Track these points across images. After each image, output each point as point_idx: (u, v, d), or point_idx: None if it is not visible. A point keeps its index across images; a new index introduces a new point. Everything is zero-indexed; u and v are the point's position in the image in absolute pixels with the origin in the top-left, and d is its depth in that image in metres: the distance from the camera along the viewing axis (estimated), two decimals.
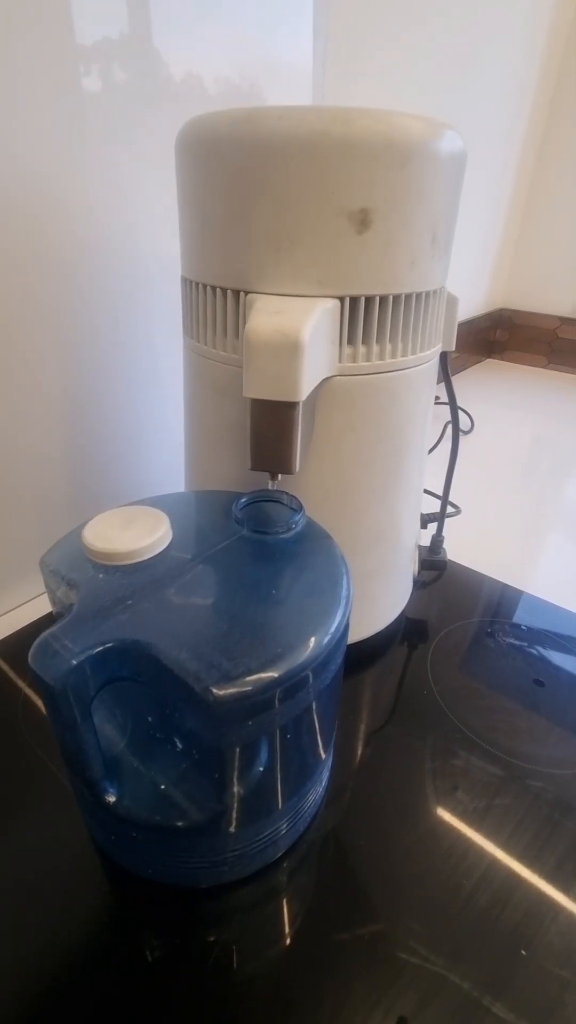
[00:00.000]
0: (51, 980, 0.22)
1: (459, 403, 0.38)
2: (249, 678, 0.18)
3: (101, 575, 0.22)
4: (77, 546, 0.24)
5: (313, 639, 0.20)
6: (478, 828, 0.28)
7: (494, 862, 0.26)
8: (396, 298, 0.26)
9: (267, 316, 0.23)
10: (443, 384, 0.36)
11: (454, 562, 0.47)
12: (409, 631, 0.41)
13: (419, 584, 0.44)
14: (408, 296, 0.26)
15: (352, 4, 0.52)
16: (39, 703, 0.34)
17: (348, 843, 0.27)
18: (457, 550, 0.46)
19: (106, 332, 0.41)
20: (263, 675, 0.19)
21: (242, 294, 0.26)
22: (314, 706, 0.22)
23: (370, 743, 0.32)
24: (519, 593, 0.45)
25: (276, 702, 0.19)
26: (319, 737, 0.24)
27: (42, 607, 0.42)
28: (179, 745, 0.23)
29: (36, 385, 0.38)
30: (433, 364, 0.31)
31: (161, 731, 0.23)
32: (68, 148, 0.34)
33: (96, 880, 0.25)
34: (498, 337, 1.11)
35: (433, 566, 0.42)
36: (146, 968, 0.22)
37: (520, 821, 0.28)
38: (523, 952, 0.23)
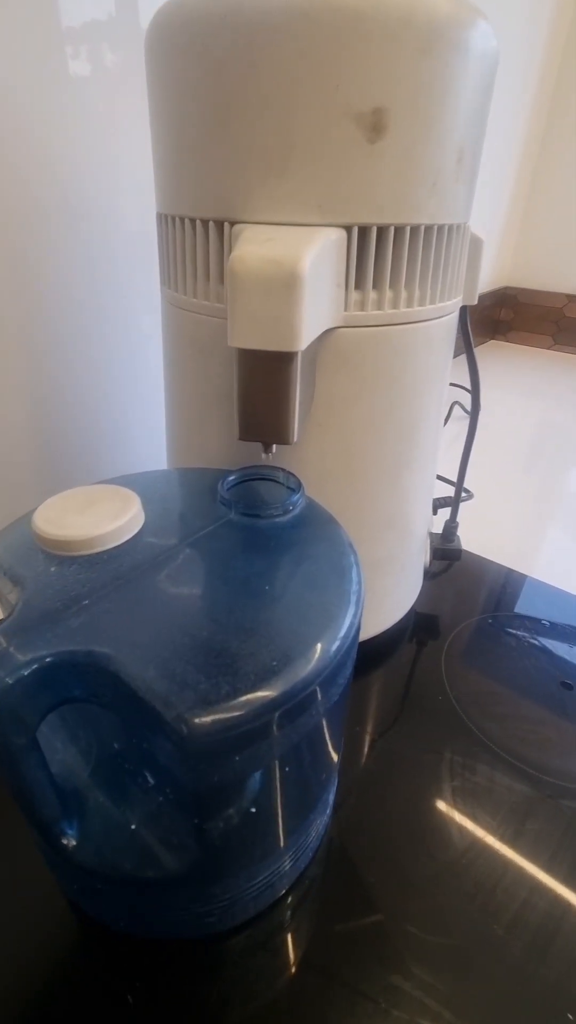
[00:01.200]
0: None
1: (462, 385, 0.34)
2: (235, 701, 0.14)
3: (53, 568, 0.18)
4: (27, 534, 0.19)
5: (318, 647, 0.16)
6: (507, 858, 0.24)
7: (529, 900, 0.22)
8: (415, 230, 0.21)
9: (256, 245, 0.18)
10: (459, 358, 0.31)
11: (466, 551, 0.42)
12: (420, 628, 0.37)
13: (429, 574, 0.40)
14: (429, 228, 0.21)
15: None
16: None
17: (356, 881, 0.23)
18: (468, 537, 0.42)
19: (79, 286, 0.36)
20: (253, 696, 0.14)
21: (226, 225, 0.21)
22: (318, 728, 0.17)
23: (379, 759, 0.28)
24: (540, 584, 0.41)
25: (270, 730, 0.15)
26: (323, 764, 0.20)
27: None
28: (151, 782, 0.18)
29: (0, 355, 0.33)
30: (453, 318, 0.26)
31: (130, 762, 0.19)
32: (37, 82, 0.29)
33: (66, 930, 0.21)
34: (502, 317, 1.07)
35: (446, 555, 0.37)
36: None
37: (556, 850, 0.24)
38: (570, 1016, 0.19)
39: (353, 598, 0.18)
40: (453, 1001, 0.20)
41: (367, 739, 0.29)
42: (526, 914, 0.22)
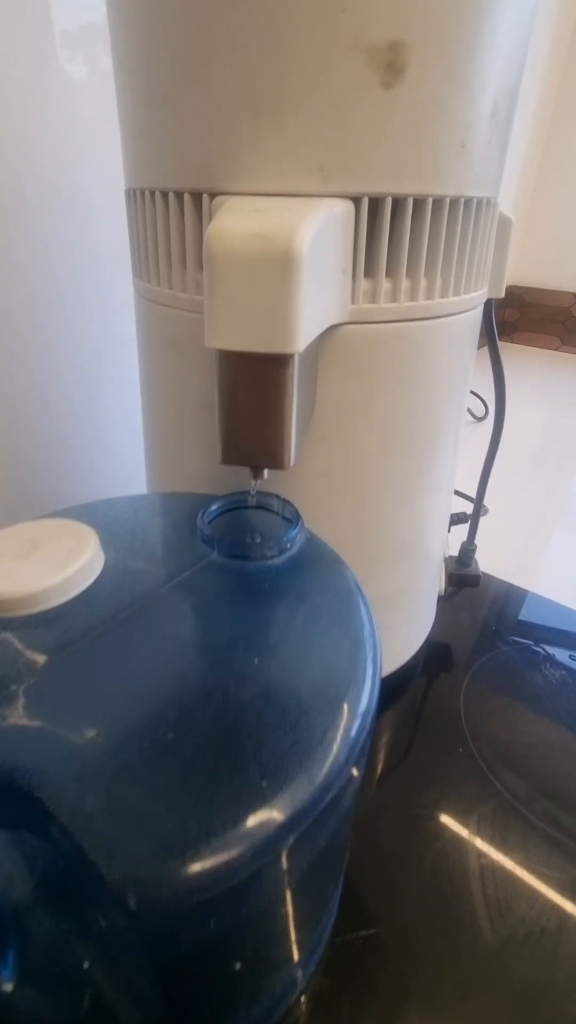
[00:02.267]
0: None
1: (473, 391, 0.30)
2: (208, 847, 0.10)
3: None
4: None
5: (325, 753, 0.12)
6: (555, 955, 0.20)
7: None
8: (438, 202, 0.17)
9: (241, 215, 0.14)
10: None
11: (486, 573, 0.38)
12: (433, 662, 0.32)
13: (442, 599, 0.35)
14: (455, 201, 0.17)
15: None
16: None
17: (372, 990, 0.19)
18: (483, 556, 0.38)
19: (44, 286, 0.32)
20: (235, 836, 0.10)
21: (205, 197, 0.17)
22: (323, 852, 0.13)
23: (391, 830, 0.24)
24: (565, 610, 0.37)
25: (258, 879, 0.11)
26: (326, 891, 0.16)
27: None
28: (103, 936, 0.14)
29: None
30: (478, 313, 0.22)
31: (79, 892, 0.15)
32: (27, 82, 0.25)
33: None
34: (507, 317, 1.03)
35: (463, 581, 0.33)
36: None
37: None
38: None
39: (369, 669, 0.14)
40: None
41: (376, 804, 0.25)
42: None
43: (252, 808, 0.10)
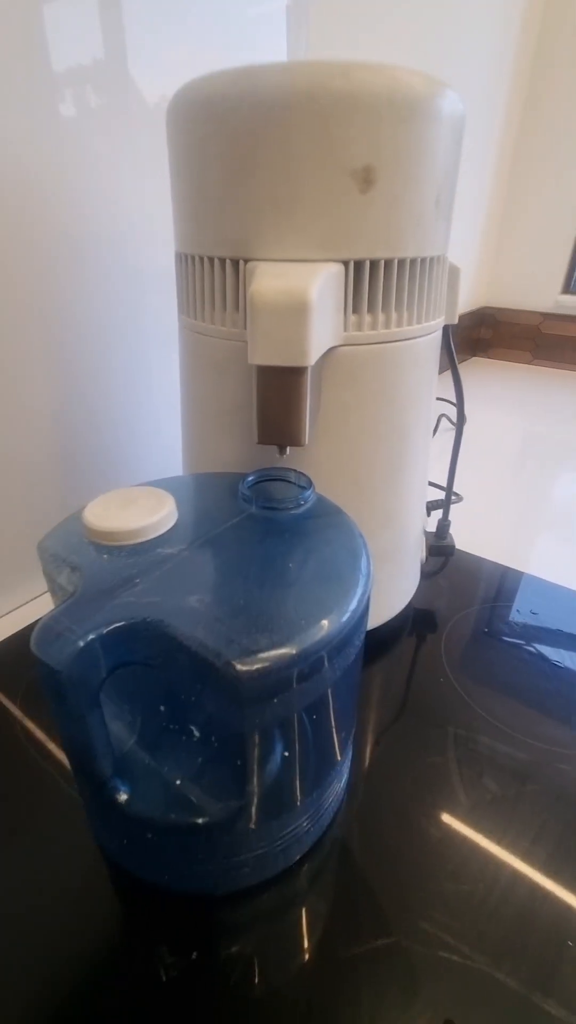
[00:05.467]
0: (60, 1003, 0.20)
1: (448, 399, 0.38)
2: (271, 652, 0.17)
3: (105, 556, 0.21)
4: (76, 529, 0.22)
5: (336, 611, 0.19)
6: (510, 816, 0.26)
7: (530, 850, 0.25)
8: (401, 262, 0.25)
9: (271, 279, 0.22)
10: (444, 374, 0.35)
11: (459, 550, 0.46)
12: (419, 621, 0.39)
13: (425, 574, 0.43)
14: (413, 260, 0.25)
15: (328, 27, 0.52)
16: (39, 706, 0.32)
17: (373, 840, 0.25)
18: (461, 539, 0.45)
19: (93, 320, 0.40)
20: (286, 650, 0.17)
21: (242, 263, 0.25)
22: (338, 683, 0.20)
23: (389, 735, 0.31)
24: (527, 577, 0.44)
25: (300, 678, 0.18)
26: (340, 723, 0.23)
27: (23, 617, 0.40)
28: (196, 734, 0.21)
29: (23, 380, 0.37)
30: (437, 337, 0.30)
31: (175, 721, 0.22)
32: (43, 140, 0.33)
33: (105, 893, 0.23)
34: (482, 335, 1.12)
35: (441, 551, 0.40)
36: (161, 986, 0.20)
37: (553, 805, 0.27)
38: (570, 943, 0.22)
39: (363, 573, 0.21)
40: (469, 937, 0.22)
41: (378, 719, 0.32)
42: (530, 858, 0.25)
43: (295, 634, 0.17)
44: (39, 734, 0.30)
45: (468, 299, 1.05)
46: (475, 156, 0.87)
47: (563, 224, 0.97)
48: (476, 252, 1.01)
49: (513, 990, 0.20)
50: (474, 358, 1.14)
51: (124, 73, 0.36)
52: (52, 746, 0.29)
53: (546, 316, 1.04)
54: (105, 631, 0.17)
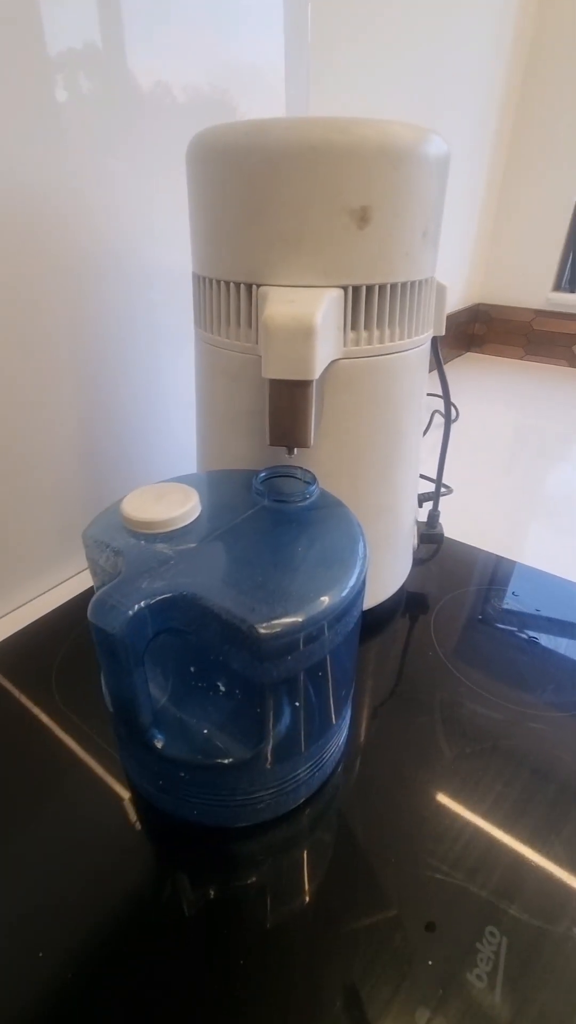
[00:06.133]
0: (103, 920, 0.24)
1: (439, 394, 0.41)
2: (287, 619, 0.21)
3: (143, 542, 0.25)
4: (115, 520, 0.26)
5: (336, 588, 0.23)
6: (487, 765, 0.31)
7: (503, 792, 0.29)
8: (393, 286, 0.28)
9: (282, 305, 0.25)
10: (435, 373, 0.39)
11: (449, 538, 0.50)
12: (411, 602, 0.43)
13: (417, 561, 0.47)
14: (404, 284, 0.29)
15: (326, 14, 0.55)
16: (72, 677, 0.36)
17: (367, 784, 0.30)
18: (450, 527, 0.49)
19: (113, 332, 0.43)
20: (296, 618, 0.21)
21: (254, 287, 0.28)
22: (338, 649, 0.24)
23: (383, 699, 0.35)
24: (510, 563, 0.48)
25: (307, 641, 0.22)
26: (341, 682, 0.27)
27: (55, 599, 0.44)
28: (222, 689, 0.25)
29: (51, 384, 0.40)
30: (426, 348, 0.34)
31: (204, 680, 0.26)
32: (58, 162, 0.37)
33: (140, 830, 0.28)
34: (477, 331, 1.16)
35: (431, 539, 0.44)
36: (188, 908, 0.25)
37: (524, 758, 0.31)
38: (532, 861, 0.26)
39: (361, 556, 0.25)
40: (449, 857, 0.26)
41: (374, 687, 0.36)
42: (507, 791, 0.29)
43: (305, 605, 0.21)
44: (75, 699, 0.34)
45: (462, 296, 1.09)
46: (469, 157, 0.90)
47: (555, 224, 1.01)
48: (471, 251, 1.04)
49: (484, 898, 0.25)
50: (468, 353, 1.18)
51: (137, 99, 0.39)
52: (88, 708, 0.33)
53: (538, 313, 1.08)
54: (152, 601, 0.21)
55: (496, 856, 0.26)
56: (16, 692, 0.35)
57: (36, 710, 0.34)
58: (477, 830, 0.27)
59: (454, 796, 0.29)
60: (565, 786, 0.29)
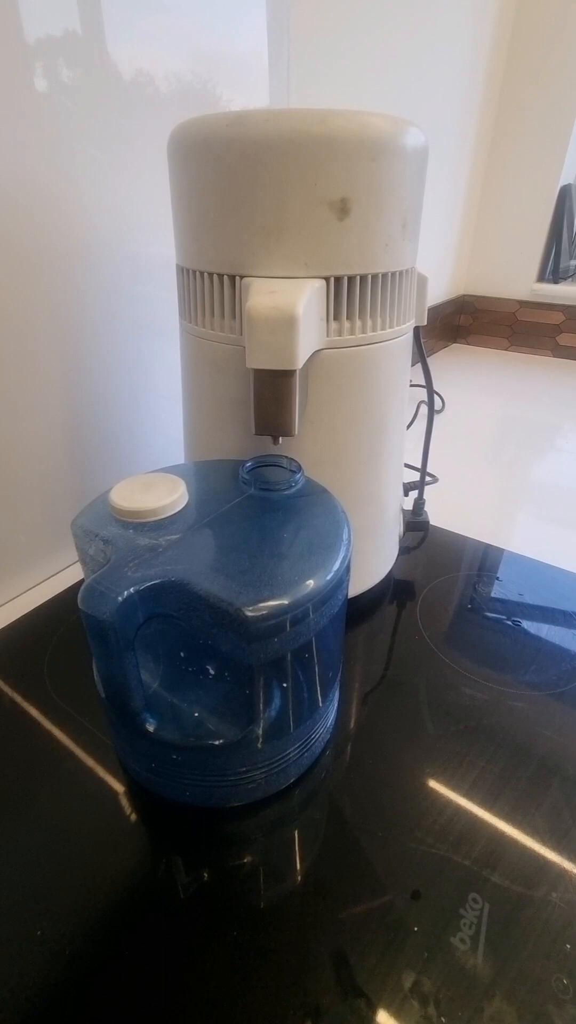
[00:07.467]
0: (101, 899, 0.25)
1: (423, 385, 0.42)
2: (272, 603, 0.22)
3: (131, 531, 0.25)
4: (104, 510, 0.26)
5: (321, 572, 0.23)
6: (470, 742, 0.32)
7: (485, 768, 0.30)
8: (374, 277, 0.29)
9: (264, 296, 0.26)
10: (418, 366, 0.39)
11: (434, 526, 0.51)
12: (398, 589, 0.44)
13: (403, 549, 0.47)
14: (384, 275, 0.29)
15: (308, 3, 0.55)
16: (64, 667, 0.36)
17: (355, 764, 0.31)
18: (436, 515, 0.50)
19: (99, 322, 0.43)
20: (282, 601, 0.22)
21: (237, 278, 0.29)
22: (324, 632, 0.25)
23: (370, 682, 0.36)
24: (494, 549, 0.49)
25: (294, 622, 0.22)
26: (328, 664, 0.28)
27: (45, 592, 0.44)
28: (212, 672, 0.26)
29: (37, 377, 0.40)
30: (408, 338, 0.34)
31: (193, 664, 0.26)
32: (38, 152, 0.37)
33: (133, 812, 0.28)
34: (462, 322, 1.17)
35: (417, 527, 0.45)
36: (183, 885, 0.25)
37: (505, 735, 0.32)
38: (513, 832, 0.27)
39: (345, 541, 0.26)
40: (434, 830, 0.27)
41: (362, 670, 0.37)
42: (490, 766, 0.30)
43: (290, 588, 0.22)
44: (67, 689, 0.35)
45: (448, 287, 1.09)
46: (452, 148, 0.90)
47: (538, 215, 1.01)
48: (455, 242, 1.05)
49: (467, 867, 0.26)
50: (454, 344, 1.18)
51: (124, 90, 0.39)
52: (79, 696, 0.34)
53: (522, 304, 1.09)
54: (141, 588, 0.22)
55: (479, 828, 0.27)
56: (8, 684, 0.35)
57: (28, 702, 0.34)
58: (461, 804, 0.28)
59: (439, 772, 0.30)
60: (544, 761, 0.31)
